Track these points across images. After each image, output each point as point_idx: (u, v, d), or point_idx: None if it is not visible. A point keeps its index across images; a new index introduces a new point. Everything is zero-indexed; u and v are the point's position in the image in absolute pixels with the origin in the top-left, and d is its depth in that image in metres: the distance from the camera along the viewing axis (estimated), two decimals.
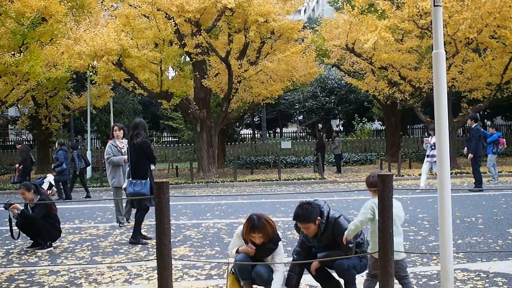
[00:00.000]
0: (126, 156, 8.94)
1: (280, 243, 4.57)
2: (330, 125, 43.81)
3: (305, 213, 4.30)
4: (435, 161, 12.41)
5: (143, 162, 7.60)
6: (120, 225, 9.24)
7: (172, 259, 3.65)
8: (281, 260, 4.56)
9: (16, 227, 7.24)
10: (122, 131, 9.46)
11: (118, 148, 9.31)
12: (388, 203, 3.65)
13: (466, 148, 13.46)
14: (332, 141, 22.13)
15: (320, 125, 42.25)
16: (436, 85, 3.53)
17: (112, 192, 10.00)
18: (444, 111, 3.57)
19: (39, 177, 17.64)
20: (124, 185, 8.03)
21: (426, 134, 13.11)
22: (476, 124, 12.94)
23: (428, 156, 13.17)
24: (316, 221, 4.30)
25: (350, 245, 4.29)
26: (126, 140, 9.23)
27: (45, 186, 14.87)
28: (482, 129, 16.74)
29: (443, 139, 3.57)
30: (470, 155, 12.70)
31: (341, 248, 4.31)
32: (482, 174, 12.91)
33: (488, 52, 19.03)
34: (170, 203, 3.56)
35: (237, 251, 4.60)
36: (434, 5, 3.52)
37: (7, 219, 7.36)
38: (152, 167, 7.82)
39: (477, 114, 15.03)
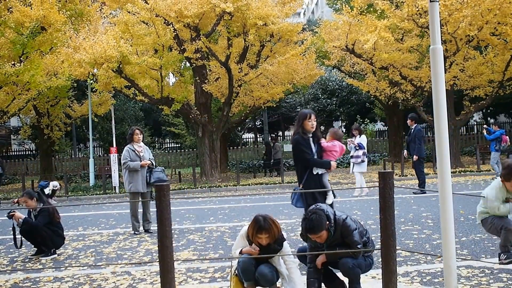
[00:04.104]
0: (144, 161, 8.78)
1: (285, 243, 4.58)
2: (332, 127, 43.77)
3: (315, 223, 4.24)
4: (360, 162, 12.41)
5: (295, 162, 6.15)
6: (136, 232, 8.80)
7: (175, 263, 3.64)
8: (290, 257, 4.59)
9: (20, 236, 7.25)
10: (142, 135, 9.17)
11: (136, 152, 8.86)
12: (390, 200, 3.63)
13: (405, 150, 12.98)
14: (273, 147, 23.16)
15: (322, 127, 42.17)
16: (435, 80, 3.52)
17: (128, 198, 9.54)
18: (443, 107, 3.55)
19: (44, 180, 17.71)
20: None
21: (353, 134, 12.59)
22: (416, 124, 12.40)
23: (352, 157, 12.72)
24: (326, 226, 4.29)
25: (358, 246, 4.29)
26: (143, 144, 9.17)
27: (46, 190, 15.00)
28: (488, 126, 16.70)
29: (442, 136, 3.55)
30: (415, 157, 12.16)
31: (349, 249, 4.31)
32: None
33: (489, 49, 18.98)
34: (173, 208, 3.56)
35: (240, 252, 4.60)
36: (431, 1, 3.51)
37: (11, 228, 7.38)
38: (319, 171, 5.86)
39: (419, 116, 13.46)
